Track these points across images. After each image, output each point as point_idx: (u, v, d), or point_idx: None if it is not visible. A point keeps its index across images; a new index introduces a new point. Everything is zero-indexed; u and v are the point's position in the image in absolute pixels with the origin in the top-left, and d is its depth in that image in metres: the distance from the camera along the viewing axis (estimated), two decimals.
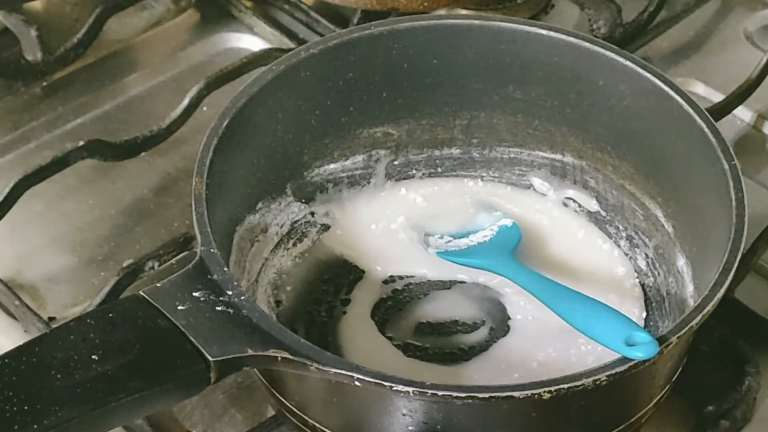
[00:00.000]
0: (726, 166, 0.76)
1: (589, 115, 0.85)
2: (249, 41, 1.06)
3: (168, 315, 0.67)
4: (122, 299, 0.73)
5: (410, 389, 0.65)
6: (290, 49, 0.86)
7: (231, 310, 0.68)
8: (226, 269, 0.70)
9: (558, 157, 0.87)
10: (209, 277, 0.69)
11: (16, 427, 0.61)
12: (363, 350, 0.80)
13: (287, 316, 0.82)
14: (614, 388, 0.68)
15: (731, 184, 0.75)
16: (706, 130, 0.78)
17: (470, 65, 0.85)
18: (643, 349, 0.67)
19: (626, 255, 0.85)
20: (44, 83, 1.01)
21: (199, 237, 0.71)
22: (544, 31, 0.84)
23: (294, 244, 0.85)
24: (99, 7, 1.02)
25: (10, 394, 0.62)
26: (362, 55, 0.84)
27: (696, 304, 0.70)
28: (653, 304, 0.83)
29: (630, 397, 0.73)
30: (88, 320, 0.66)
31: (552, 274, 0.81)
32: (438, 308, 0.83)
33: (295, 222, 0.86)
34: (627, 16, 1.03)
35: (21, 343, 0.65)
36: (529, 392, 0.66)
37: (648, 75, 0.81)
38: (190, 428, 0.79)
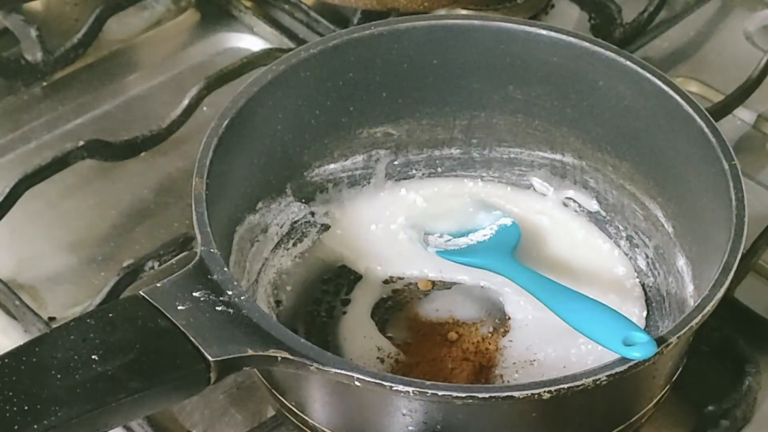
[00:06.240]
0: (726, 166, 0.76)
1: (589, 115, 0.85)
2: (249, 41, 1.06)
3: (168, 315, 0.67)
4: (122, 299, 0.73)
5: (410, 389, 0.65)
6: (290, 49, 0.86)
7: (231, 310, 0.68)
8: (226, 269, 0.70)
9: (558, 157, 0.87)
10: (209, 277, 0.69)
11: (16, 427, 0.61)
12: (363, 350, 0.80)
13: (287, 316, 0.82)
14: (614, 388, 0.68)
15: (731, 184, 0.75)
16: (706, 130, 0.78)
17: (470, 65, 0.85)
18: (641, 349, 0.67)
19: (626, 255, 0.85)
20: (44, 83, 1.01)
21: (199, 237, 0.71)
22: (544, 31, 0.83)
23: (294, 244, 0.85)
24: (99, 7, 1.02)
25: (10, 394, 0.62)
26: (362, 55, 0.84)
27: (696, 304, 0.70)
28: (653, 304, 0.83)
29: (630, 397, 0.73)
30: (88, 320, 0.66)
31: (552, 274, 0.81)
32: (438, 308, 0.83)
33: (295, 222, 0.86)
34: (627, 16, 1.03)
35: (21, 343, 0.65)
36: (529, 392, 0.66)
37: (648, 75, 0.81)
38: (190, 428, 0.79)
